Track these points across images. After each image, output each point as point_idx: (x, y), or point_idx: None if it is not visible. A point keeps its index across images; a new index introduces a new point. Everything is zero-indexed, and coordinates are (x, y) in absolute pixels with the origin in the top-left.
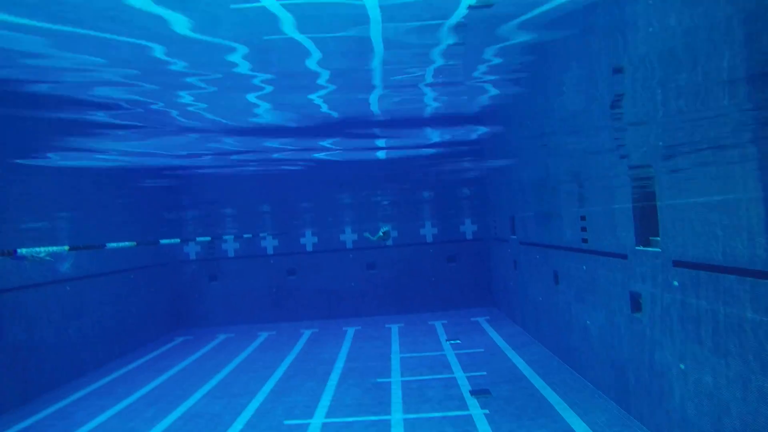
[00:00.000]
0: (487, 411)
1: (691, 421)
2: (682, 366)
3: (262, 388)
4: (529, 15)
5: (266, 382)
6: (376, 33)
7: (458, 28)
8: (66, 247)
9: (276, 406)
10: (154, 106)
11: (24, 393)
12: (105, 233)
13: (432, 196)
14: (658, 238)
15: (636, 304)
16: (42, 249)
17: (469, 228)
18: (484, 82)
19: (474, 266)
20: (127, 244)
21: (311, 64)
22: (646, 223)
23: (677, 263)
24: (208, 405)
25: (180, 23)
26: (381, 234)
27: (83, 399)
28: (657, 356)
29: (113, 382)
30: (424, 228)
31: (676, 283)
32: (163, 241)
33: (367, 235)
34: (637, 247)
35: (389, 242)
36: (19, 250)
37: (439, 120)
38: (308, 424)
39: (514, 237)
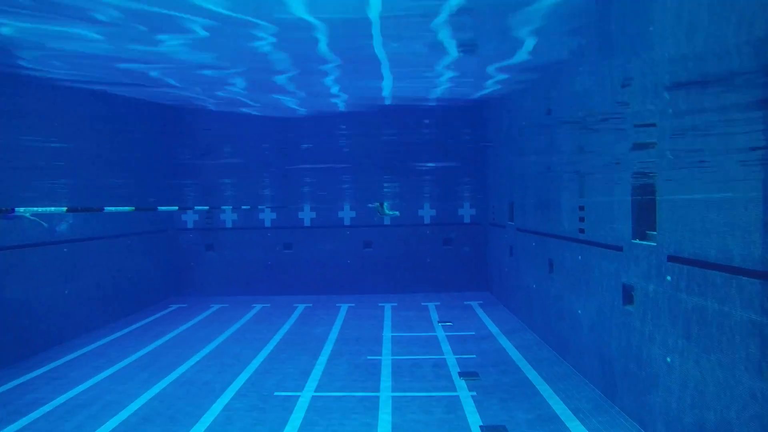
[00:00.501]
0: (474, 393)
1: (674, 413)
2: (668, 359)
3: (253, 359)
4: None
5: (258, 353)
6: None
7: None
8: (64, 209)
9: (267, 378)
10: None
11: (19, 351)
12: (103, 196)
13: (432, 177)
14: (655, 233)
15: (628, 296)
16: (40, 209)
17: (467, 212)
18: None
19: (470, 250)
20: (125, 209)
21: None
22: (644, 217)
23: (672, 258)
24: (200, 372)
25: None
26: (379, 206)
27: (77, 360)
28: (645, 349)
29: (107, 345)
30: (422, 209)
31: (669, 278)
32: (161, 208)
33: (375, 205)
34: (634, 240)
35: (386, 219)
36: (16, 209)
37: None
38: (298, 397)
39: (512, 223)
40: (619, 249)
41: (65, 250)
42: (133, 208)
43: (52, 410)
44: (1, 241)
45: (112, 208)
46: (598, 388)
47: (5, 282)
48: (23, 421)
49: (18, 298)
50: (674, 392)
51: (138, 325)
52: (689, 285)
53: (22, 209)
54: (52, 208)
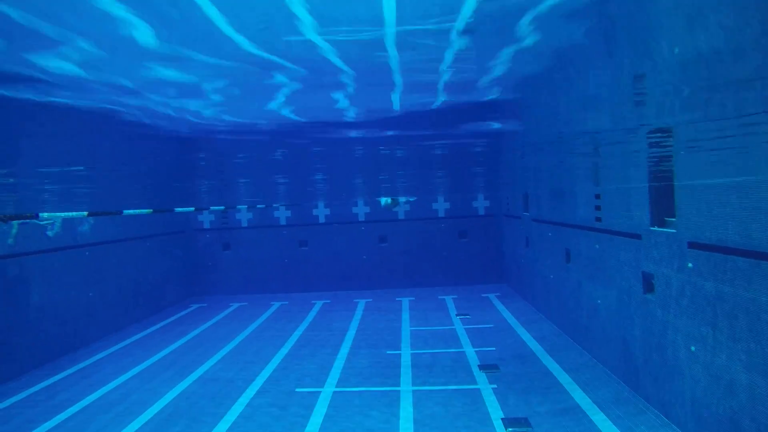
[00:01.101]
0: (495, 386)
1: (700, 402)
2: (693, 348)
3: (274, 356)
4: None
5: (278, 350)
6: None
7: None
8: (85, 213)
9: (288, 374)
10: None
11: (47, 353)
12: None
13: (445, 170)
14: (674, 219)
15: (648, 284)
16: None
17: (481, 204)
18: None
19: (485, 242)
20: (143, 211)
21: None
22: (662, 204)
23: (692, 245)
24: (222, 370)
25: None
26: (390, 202)
27: (103, 360)
28: (667, 337)
29: (132, 345)
30: (436, 203)
31: (690, 264)
32: (178, 209)
33: (386, 201)
34: (652, 228)
35: (400, 213)
36: (40, 215)
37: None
38: (319, 392)
39: (527, 214)
40: (638, 237)
41: (87, 253)
42: (151, 210)
43: (81, 410)
44: (26, 246)
45: (131, 211)
46: (620, 378)
47: (32, 286)
48: (55, 421)
49: (44, 302)
50: (700, 381)
51: (160, 325)
52: (712, 271)
53: (45, 215)
54: (73, 213)
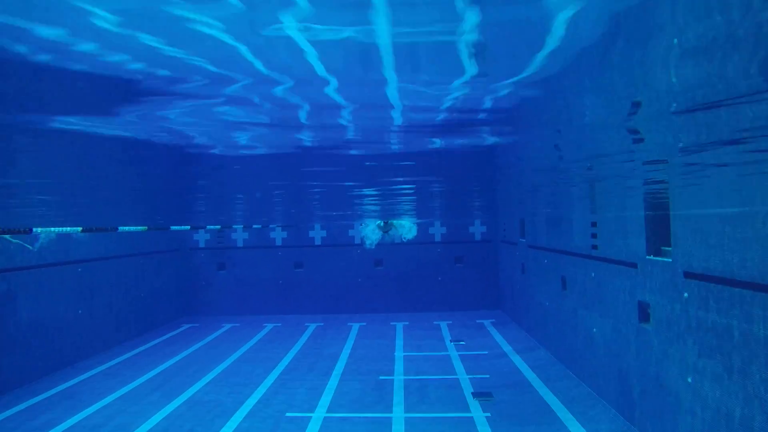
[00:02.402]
0: (488, 414)
1: None
2: (689, 379)
3: (265, 379)
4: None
5: (269, 373)
6: None
7: None
8: (79, 229)
9: (278, 398)
10: None
11: (33, 371)
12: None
13: (441, 194)
14: (670, 248)
15: (644, 314)
16: (56, 229)
17: (477, 229)
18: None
19: (481, 268)
20: (138, 228)
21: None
22: (658, 233)
23: (688, 275)
24: (211, 393)
25: None
26: (384, 226)
27: (90, 380)
28: (664, 368)
29: (120, 365)
30: (432, 227)
31: (686, 294)
32: (174, 227)
33: (372, 233)
34: (648, 257)
35: (396, 237)
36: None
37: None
38: (309, 418)
39: (523, 240)
40: (634, 265)
41: (79, 269)
42: (146, 227)
43: (64, 431)
44: (15, 261)
45: (126, 228)
46: (615, 408)
47: (18, 302)
48: None
49: (32, 318)
50: (698, 415)
51: (150, 344)
52: (708, 302)
53: (39, 230)
54: (68, 228)
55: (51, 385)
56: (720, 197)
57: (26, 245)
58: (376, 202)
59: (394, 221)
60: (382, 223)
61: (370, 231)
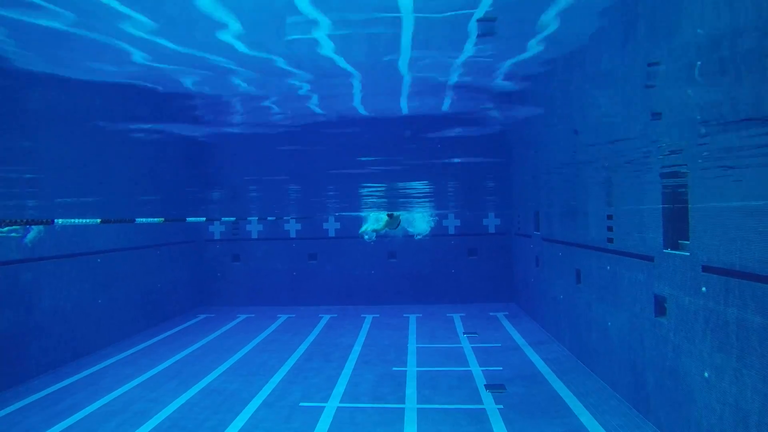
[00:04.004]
0: (501, 406)
1: (714, 431)
2: (706, 374)
3: (279, 369)
4: None
5: (284, 363)
6: None
7: None
8: (98, 220)
9: (292, 388)
10: None
11: (56, 358)
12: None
13: (456, 187)
14: (688, 242)
15: (660, 308)
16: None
17: (492, 222)
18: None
19: (495, 261)
20: (155, 219)
21: None
22: (676, 226)
23: (707, 269)
24: (227, 382)
25: None
26: (388, 220)
27: (110, 367)
28: (680, 363)
29: (138, 354)
30: (446, 219)
31: (704, 289)
32: (189, 219)
33: (381, 224)
34: (665, 250)
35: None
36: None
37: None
38: (323, 408)
39: (538, 233)
40: (650, 259)
41: (98, 260)
42: (162, 219)
43: (86, 416)
44: (37, 251)
45: (143, 219)
46: (630, 403)
47: (42, 292)
48: (62, 425)
49: (55, 307)
50: (715, 410)
51: (167, 334)
52: (727, 297)
53: (60, 221)
54: (87, 220)
55: (74, 372)
56: (742, 189)
57: (18, 236)
58: (382, 192)
59: (402, 214)
60: (385, 217)
61: (369, 224)
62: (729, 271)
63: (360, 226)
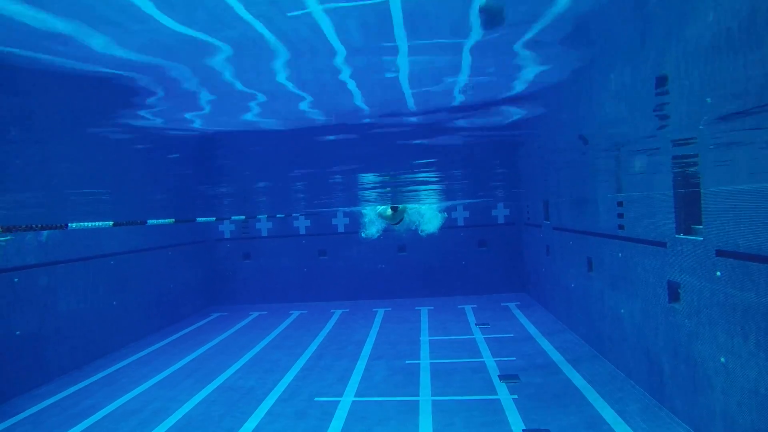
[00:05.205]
0: (515, 396)
1: (732, 416)
2: (722, 360)
3: (293, 365)
4: None
5: (298, 359)
6: None
7: None
8: (111, 223)
9: (307, 383)
10: None
11: (74, 360)
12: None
13: (464, 177)
14: (701, 227)
15: (674, 294)
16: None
17: (501, 212)
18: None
19: (505, 251)
20: (166, 221)
21: None
22: (688, 211)
23: (721, 253)
24: (242, 379)
25: None
26: (392, 213)
27: (126, 368)
28: (695, 348)
29: (153, 354)
30: (455, 211)
31: (719, 273)
32: (200, 219)
33: (386, 216)
34: (678, 235)
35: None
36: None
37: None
38: (338, 402)
39: (548, 222)
40: (663, 245)
41: (112, 262)
42: (173, 220)
43: (106, 416)
44: (53, 255)
45: (154, 221)
46: (645, 390)
47: (58, 295)
48: (82, 425)
49: (71, 310)
50: (731, 395)
51: (181, 333)
52: (742, 280)
53: (74, 224)
54: (99, 223)
55: (91, 373)
56: (755, 172)
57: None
58: (388, 184)
59: (408, 207)
60: (388, 210)
61: (370, 219)
62: (744, 255)
63: (361, 225)
